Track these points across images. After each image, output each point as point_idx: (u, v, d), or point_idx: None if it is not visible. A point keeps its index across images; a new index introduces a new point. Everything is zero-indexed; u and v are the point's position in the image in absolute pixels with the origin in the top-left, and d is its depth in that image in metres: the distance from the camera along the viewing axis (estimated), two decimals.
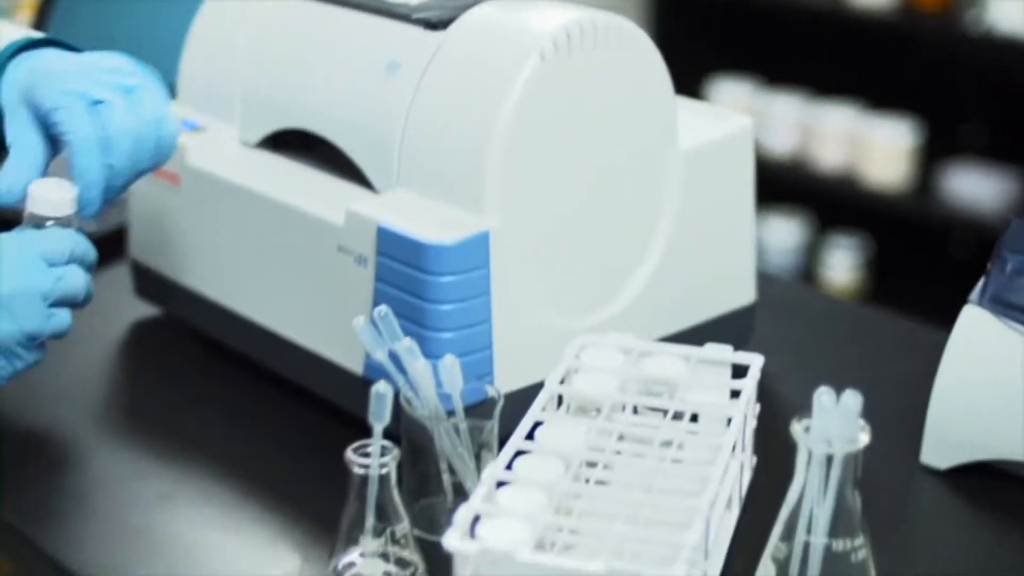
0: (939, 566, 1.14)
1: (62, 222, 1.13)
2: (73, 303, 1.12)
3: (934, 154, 3.45)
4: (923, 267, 3.47)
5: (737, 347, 1.22)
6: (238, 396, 1.32)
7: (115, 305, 1.48)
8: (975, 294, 1.23)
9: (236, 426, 1.28)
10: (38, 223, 1.13)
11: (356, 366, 1.22)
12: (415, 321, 1.16)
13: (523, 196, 1.19)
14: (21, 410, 1.31)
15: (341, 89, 1.28)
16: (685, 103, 1.34)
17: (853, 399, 0.96)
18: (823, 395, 0.96)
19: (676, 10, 3.72)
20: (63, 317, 1.11)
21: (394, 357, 1.11)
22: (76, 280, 1.11)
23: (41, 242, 1.10)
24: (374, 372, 1.16)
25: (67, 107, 1.12)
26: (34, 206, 1.13)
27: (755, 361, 1.20)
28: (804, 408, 0.97)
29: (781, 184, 3.57)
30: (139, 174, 1.16)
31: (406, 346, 1.09)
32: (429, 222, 1.17)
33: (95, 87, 1.13)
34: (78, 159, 1.12)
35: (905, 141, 3.43)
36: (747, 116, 1.38)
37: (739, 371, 1.19)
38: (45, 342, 1.12)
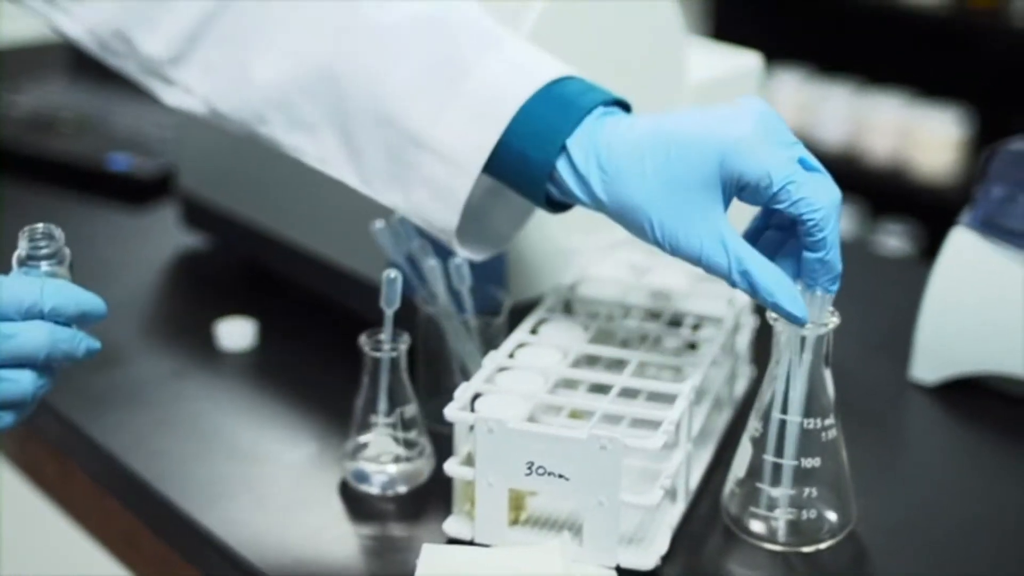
0: (925, 473, 1.21)
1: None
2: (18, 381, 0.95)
3: (984, 145, 3.49)
4: None
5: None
6: (272, 310, 1.41)
7: (162, 236, 1.58)
8: (963, 217, 1.30)
9: (268, 335, 1.37)
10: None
11: (379, 275, 1.30)
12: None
13: None
14: None
15: None
16: (696, 41, 1.41)
17: (827, 285, 1.03)
18: (803, 283, 1.03)
19: (730, 3, 3.79)
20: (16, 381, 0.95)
21: (411, 261, 1.19)
22: (34, 341, 0.94)
23: (5, 290, 0.94)
24: None
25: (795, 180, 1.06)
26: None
27: None
28: None
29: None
30: None
31: (419, 246, 1.18)
32: None
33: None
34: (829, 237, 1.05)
35: (955, 132, 3.47)
36: (756, 54, 1.45)
37: None
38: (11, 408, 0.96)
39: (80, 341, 0.97)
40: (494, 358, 1.11)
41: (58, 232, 0.98)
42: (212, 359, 1.34)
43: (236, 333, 1.35)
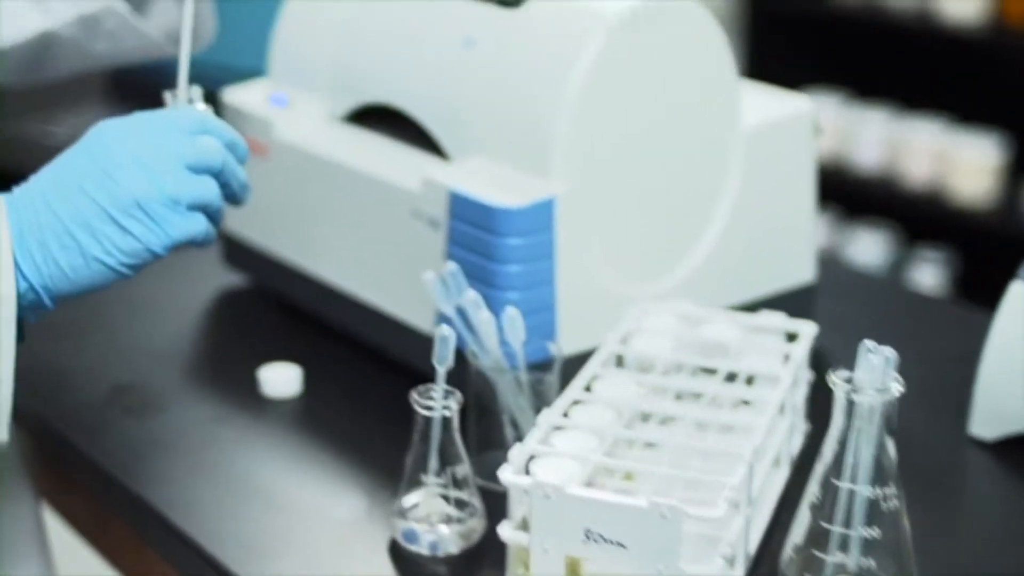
0: (984, 531, 1.18)
1: None
2: (209, 199, 1.07)
3: (1022, 170, 3.46)
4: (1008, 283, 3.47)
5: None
6: (316, 355, 1.38)
7: (204, 275, 1.56)
8: (1023, 270, 1.27)
9: (312, 381, 1.34)
10: None
11: (427, 325, 1.28)
12: (483, 281, 1.22)
13: (589, 165, 1.25)
14: (112, 364, 1.39)
15: (421, 64, 1.35)
16: (749, 84, 1.39)
17: (891, 352, 1.00)
18: (865, 347, 1.01)
19: (767, 23, 3.76)
20: (198, 218, 1.06)
21: (462, 313, 1.16)
22: (212, 147, 1.06)
23: (173, 113, 1.09)
24: None
25: None
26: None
27: (807, 328, 1.25)
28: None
29: (868, 198, 3.59)
30: None
31: (472, 299, 1.15)
32: (498, 187, 1.23)
33: None
34: None
35: (993, 157, 3.44)
36: (807, 98, 1.42)
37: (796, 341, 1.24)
38: (206, 217, 1.07)
39: (238, 167, 1.10)
40: (548, 417, 1.09)
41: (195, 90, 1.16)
42: (255, 406, 1.32)
43: (280, 380, 1.33)
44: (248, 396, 1.33)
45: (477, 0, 1.33)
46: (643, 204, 1.29)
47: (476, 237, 1.23)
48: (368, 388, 1.35)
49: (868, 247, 3.65)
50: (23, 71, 1.33)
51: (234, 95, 1.49)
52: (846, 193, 3.62)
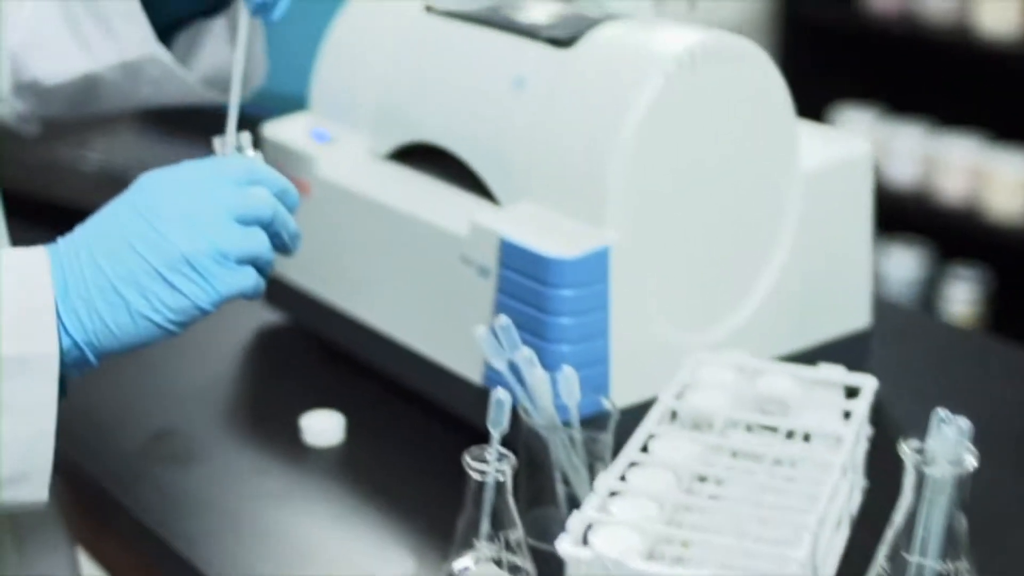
0: None
1: None
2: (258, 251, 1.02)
3: None
4: None
5: (852, 371, 1.23)
6: (358, 401, 1.35)
7: (243, 312, 1.52)
8: None
9: (355, 430, 1.31)
10: None
11: (475, 375, 1.24)
12: (534, 333, 1.18)
13: (644, 212, 1.21)
14: (150, 408, 1.36)
15: (468, 104, 1.31)
16: (806, 126, 1.35)
17: (965, 422, 0.96)
18: (938, 416, 0.97)
19: (801, 37, 3.72)
20: (248, 272, 1.01)
21: (513, 367, 1.13)
22: (262, 198, 1.02)
23: (222, 163, 1.05)
24: (493, 382, 1.19)
25: None
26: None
27: (868, 383, 1.21)
28: (914, 430, 0.98)
29: (902, 214, 3.54)
30: None
31: (525, 356, 1.11)
32: (551, 235, 1.20)
33: None
34: None
35: None
36: (867, 141, 1.39)
37: (853, 393, 1.20)
38: (256, 270, 1.03)
39: (289, 216, 1.05)
40: (606, 482, 1.05)
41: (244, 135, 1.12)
42: (296, 455, 1.29)
43: (322, 429, 1.29)
44: (289, 444, 1.30)
45: (527, 38, 1.29)
46: (698, 251, 1.26)
47: (528, 287, 1.19)
48: (412, 436, 1.31)
49: (901, 263, 3.61)
50: (66, 107, 1.32)
51: (274, 130, 1.46)
52: (880, 209, 3.54)
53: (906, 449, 0.97)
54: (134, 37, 1.24)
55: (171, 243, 0.99)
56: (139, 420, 1.33)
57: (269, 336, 1.50)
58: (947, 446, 0.96)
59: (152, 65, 1.26)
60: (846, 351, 1.37)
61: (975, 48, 3.43)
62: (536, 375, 1.11)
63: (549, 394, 1.12)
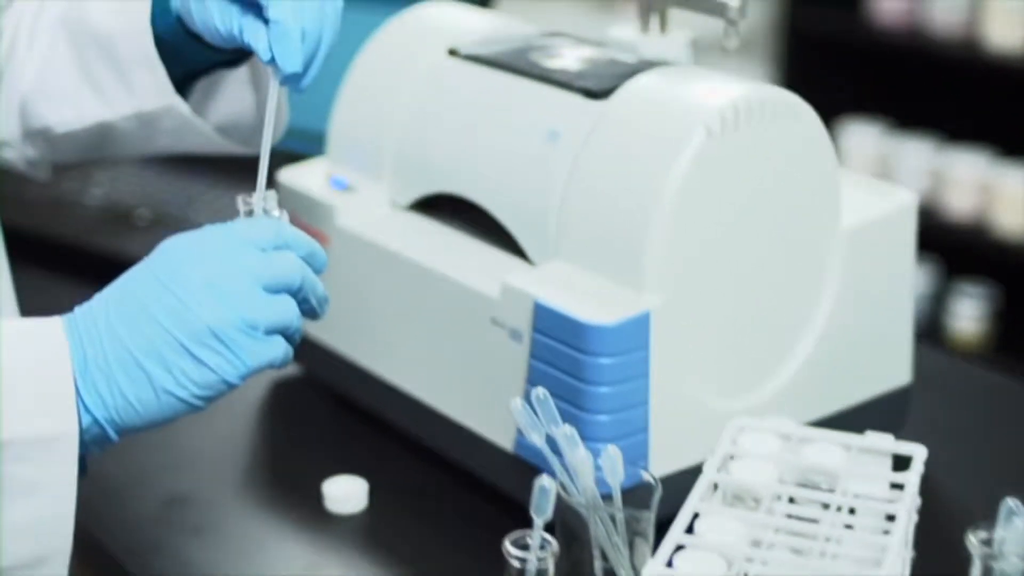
0: None
1: None
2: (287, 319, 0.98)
3: None
4: None
5: (892, 429, 1.18)
6: (382, 465, 1.29)
7: None
8: None
9: (379, 495, 1.25)
10: None
11: (506, 442, 1.19)
12: (571, 401, 1.13)
13: (685, 274, 1.16)
14: (165, 472, 1.30)
15: (498, 155, 1.26)
16: (847, 175, 1.30)
17: None
18: (1007, 507, 0.92)
19: (805, 50, 3.67)
20: (276, 342, 0.97)
21: (550, 440, 1.08)
22: (290, 264, 0.98)
23: (247, 226, 1.00)
24: (525, 450, 1.14)
25: None
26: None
27: (918, 452, 1.16)
28: (962, 503, 0.94)
29: None
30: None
31: (566, 433, 1.06)
32: (588, 299, 1.14)
33: None
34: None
35: None
36: (910, 191, 1.34)
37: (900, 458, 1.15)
38: (285, 339, 0.98)
39: (317, 281, 1.00)
40: (652, 570, 1.00)
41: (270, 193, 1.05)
42: (318, 522, 1.23)
43: (345, 496, 1.24)
44: (311, 512, 1.24)
45: (560, 88, 1.24)
46: (739, 312, 1.20)
47: (564, 354, 1.14)
48: (439, 504, 1.26)
49: None
50: (78, 153, 1.29)
51: (291, 176, 1.40)
52: None
53: (974, 541, 0.93)
54: (151, 87, 1.20)
55: (196, 314, 0.94)
56: (152, 485, 1.28)
57: (285, 390, 1.44)
58: (1018, 539, 0.91)
59: (169, 116, 1.21)
60: (886, 407, 1.32)
61: (983, 62, 3.38)
62: (578, 456, 1.06)
63: (591, 474, 1.06)
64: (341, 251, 1.33)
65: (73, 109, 1.23)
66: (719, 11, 1.30)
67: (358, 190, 1.36)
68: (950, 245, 3.50)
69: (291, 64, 1.05)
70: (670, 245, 1.14)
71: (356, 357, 1.34)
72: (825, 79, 3.58)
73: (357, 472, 1.27)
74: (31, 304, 1.18)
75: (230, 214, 1.74)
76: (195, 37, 1.15)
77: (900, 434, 1.15)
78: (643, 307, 1.13)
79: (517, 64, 1.29)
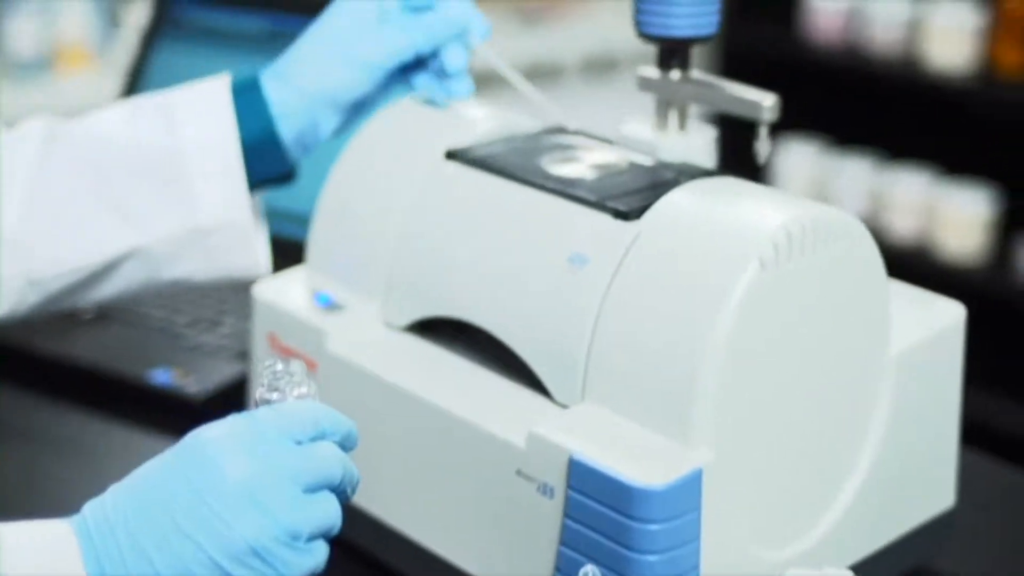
0: None
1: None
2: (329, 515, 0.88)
3: (1013, 226, 3.29)
4: (1000, 344, 3.31)
5: (935, 554, 1.14)
6: None
7: None
8: None
9: None
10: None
11: None
12: (614, 569, 1.01)
13: (738, 423, 1.03)
14: None
15: (513, 279, 1.12)
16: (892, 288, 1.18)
17: None
18: None
19: (739, 66, 3.55)
20: (319, 547, 0.87)
21: None
22: (330, 457, 0.88)
23: (282, 417, 0.89)
24: None
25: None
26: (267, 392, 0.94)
27: None
28: None
29: None
30: None
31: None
32: (631, 454, 1.01)
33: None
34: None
35: (982, 211, 3.26)
36: (958, 304, 1.22)
37: None
38: (321, 546, 0.88)
39: (353, 465, 0.91)
40: None
41: (295, 365, 0.94)
42: None
43: None
44: None
45: (584, 206, 1.11)
46: (791, 456, 1.08)
47: (605, 516, 1.01)
48: None
49: None
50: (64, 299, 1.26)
51: (268, 291, 1.26)
52: None
53: None
54: (218, 198, 1.17)
55: (234, 530, 0.82)
56: None
57: None
58: None
59: (225, 232, 1.19)
60: (928, 533, 1.21)
61: (923, 81, 3.29)
62: None
63: None
64: (333, 380, 1.19)
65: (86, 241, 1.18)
66: (750, 110, 1.19)
67: (347, 308, 1.22)
68: (892, 269, 3.39)
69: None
70: (722, 391, 1.02)
71: (361, 503, 1.19)
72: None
73: None
74: None
75: (178, 305, 1.60)
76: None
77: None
78: (694, 464, 1.01)
79: (528, 173, 1.16)
